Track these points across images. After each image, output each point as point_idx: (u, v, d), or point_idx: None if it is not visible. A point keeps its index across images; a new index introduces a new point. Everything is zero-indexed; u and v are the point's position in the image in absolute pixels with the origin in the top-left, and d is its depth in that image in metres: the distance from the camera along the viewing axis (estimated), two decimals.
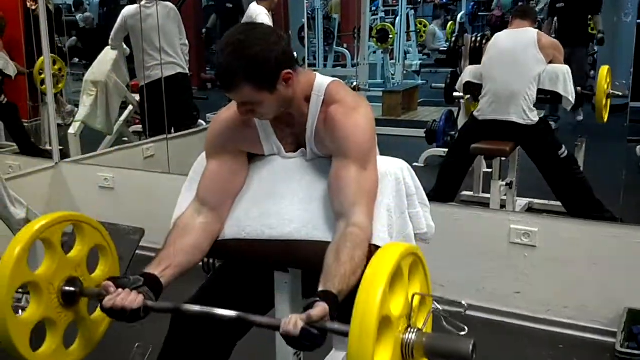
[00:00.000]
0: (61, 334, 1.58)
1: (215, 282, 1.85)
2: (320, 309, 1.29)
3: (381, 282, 1.12)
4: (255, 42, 1.49)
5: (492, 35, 4.01)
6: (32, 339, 1.51)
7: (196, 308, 1.49)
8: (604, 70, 3.76)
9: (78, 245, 1.65)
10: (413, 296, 1.25)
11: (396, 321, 1.18)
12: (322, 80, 1.66)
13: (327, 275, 1.39)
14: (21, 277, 1.48)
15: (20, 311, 1.54)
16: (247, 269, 1.79)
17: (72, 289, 1.57)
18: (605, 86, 3.69)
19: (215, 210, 1.66)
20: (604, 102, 3.70)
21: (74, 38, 7.42)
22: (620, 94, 3.77)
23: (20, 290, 1.50)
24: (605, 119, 3.78)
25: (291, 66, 1.55)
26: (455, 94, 4.22)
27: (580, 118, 4.17)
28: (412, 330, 1.23)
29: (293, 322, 1.27)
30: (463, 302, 1.28)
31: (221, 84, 1.54)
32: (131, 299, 1.45)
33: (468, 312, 3.09)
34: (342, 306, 1.33)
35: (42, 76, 4.87)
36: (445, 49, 8.13)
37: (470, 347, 1.20)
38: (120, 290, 1.47)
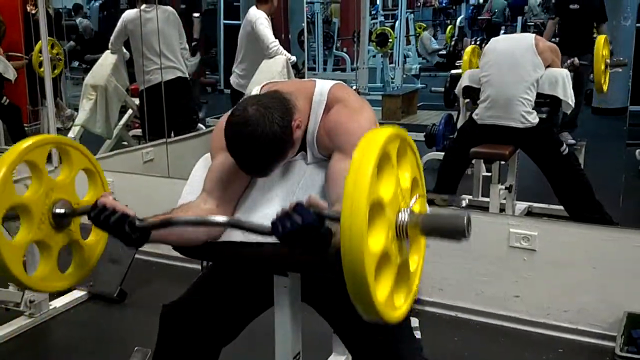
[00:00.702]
0: (55, 258, 1.59)
1: (213, 274, 1.86)
2: (321, 201, 1.31)
3: (368, 165, 1.10)
4: (257, 134, 1.50)
5: (487, 38, 4.02)
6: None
7: (187, 218, 1.50)
8: (600, 39, 3.73)
9: (65, 169, 1.65)
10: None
11: (388, 203, 1.16)
12: (323, 85, 1.69)
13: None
14: (8, 199, 1.48)
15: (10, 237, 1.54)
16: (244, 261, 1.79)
17: (62, 210, 1.58)
18: (602, 55, 3.65)
19: (221, 201, 1.67)
20: (602, 71, 3.66)
21: (72, 42, 7.43)
22: (622, 62, 3.74)
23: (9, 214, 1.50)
24: (605, 90, 3.76)
25: (292, 113, 1.57)
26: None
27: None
28: (405, 211, 1.21)
29: (289, 206, 1.30)
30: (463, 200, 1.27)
31: (256, 175, 1.63)
32: (123, 207, 1.48)
33: (467, 316, 3.10)
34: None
35: (41, 58, 4.87)
36: (444, 52, 8.16)
37: (465, 221, 1.18)
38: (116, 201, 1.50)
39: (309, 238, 1.29)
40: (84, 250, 1.68)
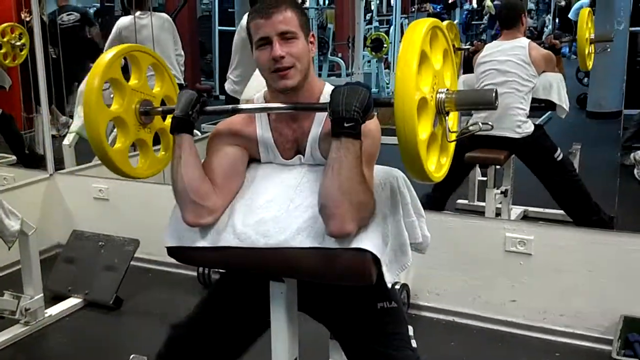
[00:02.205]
0: (150, 148, 1.92)
1: (219, 292, 1.85)
2: None
3: (412, 67, 1.34)
4: None
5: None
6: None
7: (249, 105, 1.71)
8: (584, 12, 3.68)
9: (135, 72, 1.90)
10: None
11: (428, 95, 1.41)
12: (330, 88, 1.68)
13: None
14: (114, 71, 1.79)
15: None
16: (246, 283, 1.79)
17: (145, 108, 1.86)
18: (587, 31, 3.62)
19: (218, 189, 1.65)
20: (586, 48, 3.63)
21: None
22: (607, 40, 3.70)
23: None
24: (590, 66, 3.74)
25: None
26: None
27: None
28: (442, 90, 1.45)
29: None
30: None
31: (265, 9, 1.58)
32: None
33: (464, 321, 3.09)
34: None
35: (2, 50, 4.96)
36: None
37: (494, 94, 1.44)
38: None
39: (360, 95, 1.47)
40: (152, 156, 1.96)
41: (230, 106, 1.71)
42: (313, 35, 1.65)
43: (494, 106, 1.44)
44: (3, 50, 4.98)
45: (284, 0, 1.59)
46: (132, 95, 1.83)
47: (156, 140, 1.96)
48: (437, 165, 1.48)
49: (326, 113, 1.63)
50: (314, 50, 1.63)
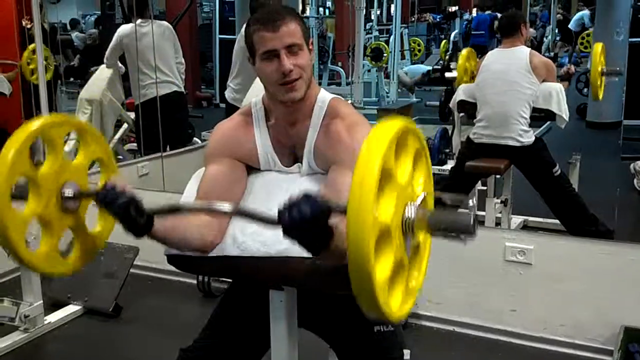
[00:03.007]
0: (57, 240, 1.55)
1: (224, 313, 1.84)
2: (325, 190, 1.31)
3: (371, 183, 1.06)
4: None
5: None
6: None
7: (194, 204, 1.51)
8: (597, 46, 3.75)
9: (81, 153, 1.64)
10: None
11: (393, 225, 1.14)
12: (325, 94, 1.69)
13: None
14: (21, 168, 1.46)
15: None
16: (250, 299, 1.78)
17: (71, 191, 1.56)
18: (600, 64, 3.69)
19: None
20: (598, 80, 3.69)
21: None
22: (617, 71, 3.76)
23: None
24: (601, 97, 3.77)
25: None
26: None
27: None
28: (412, 205, 1.19)
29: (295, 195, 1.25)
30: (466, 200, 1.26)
31: (270, 21, 1.56)
32: (132, 189, 1.45)
33: (464, 330, 3.08)
34: None
35: (31, 66, 4.92)
36: (439, 67, 8.19)
37: (472, 219, 1.17)
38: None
39: (314, 230, 1.25)
40: (88, 238, 1.66)
41: (170, 205, 1.48)
42: (312, 42, 1.65)
43: (472, 233, 1.18)
44: (32, 66, 4.99)
45: (287, 11, 1.58)
46: (49, 184, 1.53)
47: None
48: (402, 301, 1.21)
49: (320, 123, 1.65)
50: (313, 58, 1.64)
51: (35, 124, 1.51)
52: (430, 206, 1.28)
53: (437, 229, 1.19)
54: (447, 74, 4.36)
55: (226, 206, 1.42)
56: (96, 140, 1.69)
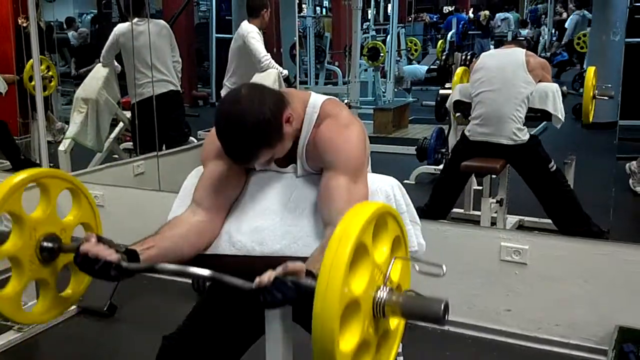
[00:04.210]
0: (53, 288, 1.61)
1: (210, 301, 1.84)
2: (298, 264, 1.30)
3: (342, 260, 1.09)
4: (246, 112, 1.50)
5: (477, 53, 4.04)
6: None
7: (171, 267, 1.49)
8: (590, 71, 3.79)
9: (42, 202, 1.65)
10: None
11: (362, 296, 1.16)
12: (316, 98, 1.69)
13: (310, 261, 1.40)
14: (13, 205, 1.52)
15: None
16: (238, 291, 1.78)
17: (49, 245, 1.59)
18: (592, 88, 3.72)
19: (210, 212, 1.65)
20: (590, 105, 3.73)
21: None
22: (608, 97, 3.80)
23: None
24: (591, 120, 3.81)
25: (285, 106, 1.58)
26: None
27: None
28: (385, 289, 1.22)
29: (267, 275, 1.29)
30: (442, 267, 1.25)
31: (239, 163, 1.61)
32: (107, 252, 1.44)
33: (459, 330, 3.08)
34: None
35: (33, 83, 4.88)
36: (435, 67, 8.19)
37: (442, 308, 1.20)
38: (99, 243, 1.47)
39: (291, 304, 1.33)
40: (56, 297, 1.68)
41: (148, 265, 1.50)
42: (287, 114, 1.57)
43: (442, 323, 1.22)
44: (33, 83, 4.99)
45: (248, 150, 1.54)
46: (34, 230, 1.56)
47: None
48: None
49: (313, 124, 1.65)
50: (292, 120, 1.59)
51: (37, 170, 1.60)
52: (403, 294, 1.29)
53: (410, 313, 1.23)
54: (442, 91, 4.38)
55: (203, 272, 1.43)
56: (90, 206, 1.73)
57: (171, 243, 1.58)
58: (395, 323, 1.29)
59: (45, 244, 1.57)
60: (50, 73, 5.45)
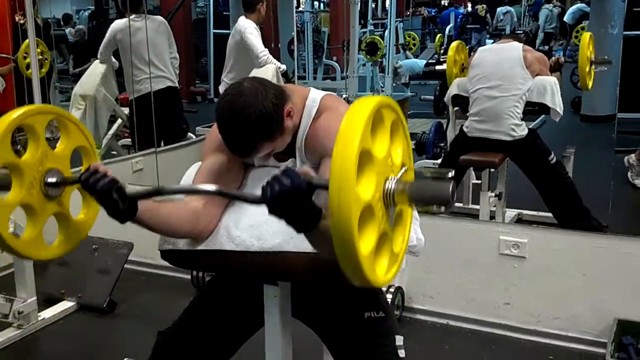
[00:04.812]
0: (41, 226, 1.57)
1: (206, 297, 1.84)
2: (306, 168, 1.31)
3: (363, 116, 1.11)
4: (249, 104, 1.50)
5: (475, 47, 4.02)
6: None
7: (177, 187, 1.50)
8: (585, 36, 3.75)
9: (62, 141, 1.66)
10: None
11: (378, 159, 1.18)
12: (316, 93, 1.70)
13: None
14: (2, 157, 1.48)
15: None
16: (238, 283, 1.78)
17: (54, 179, 1.58)
18: (588, 53, 3.68)
19: (206, 202, 1.63)
20: (587, 69, 3.68)
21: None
22: (606, 62, 3.77)
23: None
24: (590, 86, 3.77)
25: (286, 100, 1.58)
26: None
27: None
28: (393, 179, 1.21)
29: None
30: (451, 170, 1.25)
31: (240, 155, 1.61)
32: (111, 174, 1.45)
33: (458, 324, 3.08)
34: None
35: (27, 60, 4.86)
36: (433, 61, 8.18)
37: (450, 188, 1.18)
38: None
39: (297, 204, 1.25)
40: (72, 224, 1.68)
41: (153, 188, 1.47)
42: (288, 108, 1.58)
43: (449, 203, 1.19)
44: (28, 61, 4.97)
45: (249, 142, 1.55)
46: (32, 172, 1.55)
47: None
48: (388, 268, 1.24)
49: (312, 117, 1.65)
50: (293, 114, 1.59)
51: (15, 113, 1.52)
52: (411, 177, 1.29)
53: (417, 200, 1.21)
54: (438, 67, 4.37)
55: (210, 187, 1.45)
56: (77, 128, 1.70)
57: (166, 209, 1.58)
58: (399, 246, 1.30)
59: (49, 179, 1.58)
60: (38, 49, 5.29)
